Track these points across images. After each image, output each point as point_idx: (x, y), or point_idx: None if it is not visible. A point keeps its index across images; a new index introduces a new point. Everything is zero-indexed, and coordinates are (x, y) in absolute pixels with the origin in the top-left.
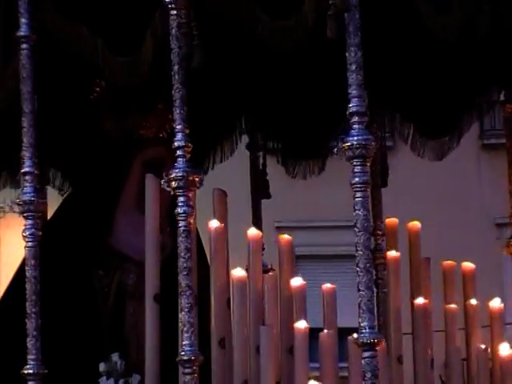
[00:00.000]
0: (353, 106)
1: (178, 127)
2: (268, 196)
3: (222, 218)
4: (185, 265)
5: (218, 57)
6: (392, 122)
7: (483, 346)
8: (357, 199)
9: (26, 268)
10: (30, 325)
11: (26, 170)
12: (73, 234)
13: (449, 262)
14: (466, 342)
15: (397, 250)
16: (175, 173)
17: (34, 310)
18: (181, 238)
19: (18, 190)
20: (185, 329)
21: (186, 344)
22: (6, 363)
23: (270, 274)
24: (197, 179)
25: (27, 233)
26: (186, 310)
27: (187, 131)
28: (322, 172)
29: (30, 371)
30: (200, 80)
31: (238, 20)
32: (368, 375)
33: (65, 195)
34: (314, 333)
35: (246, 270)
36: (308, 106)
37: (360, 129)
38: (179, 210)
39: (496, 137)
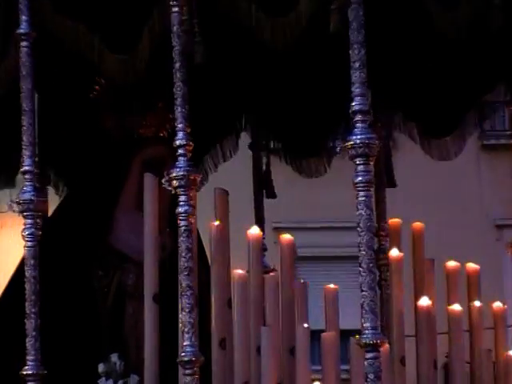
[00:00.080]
0: (356, 104)
1: (179, 126)
2: (274, 196)
3: (224, 218)
4: (185, 265)
5: (218, 55)
6: (394, 120)
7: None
8: (360, 198)
9: (26, 268)
10: (30, 325)
11: (26, 168)
12: (72, 233)
13: (453, 263)
14: (470, 344)
15: (400, 251)
16: (176, 172)
17: (33, 310)
18: (182, 238)
19: (13, 189)
20: (185, 329)
21: (186, 345)
22: (5, 364)
23: (272, 274)
24: (198, 178)
25: (27, 232)
26: (187, 310)
27: (188, 130)
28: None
29: (29, 372)
30: (201, 78)
31: (238, 18)
32: (371, 376)
33: (62, 195)
34: (315, 335)
35: (247, 272)
36: (309, 105)
37: (363, 127)
38: (180, 209)
39: (496, 137)
